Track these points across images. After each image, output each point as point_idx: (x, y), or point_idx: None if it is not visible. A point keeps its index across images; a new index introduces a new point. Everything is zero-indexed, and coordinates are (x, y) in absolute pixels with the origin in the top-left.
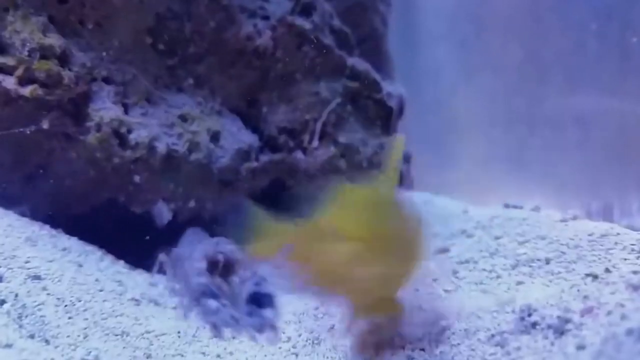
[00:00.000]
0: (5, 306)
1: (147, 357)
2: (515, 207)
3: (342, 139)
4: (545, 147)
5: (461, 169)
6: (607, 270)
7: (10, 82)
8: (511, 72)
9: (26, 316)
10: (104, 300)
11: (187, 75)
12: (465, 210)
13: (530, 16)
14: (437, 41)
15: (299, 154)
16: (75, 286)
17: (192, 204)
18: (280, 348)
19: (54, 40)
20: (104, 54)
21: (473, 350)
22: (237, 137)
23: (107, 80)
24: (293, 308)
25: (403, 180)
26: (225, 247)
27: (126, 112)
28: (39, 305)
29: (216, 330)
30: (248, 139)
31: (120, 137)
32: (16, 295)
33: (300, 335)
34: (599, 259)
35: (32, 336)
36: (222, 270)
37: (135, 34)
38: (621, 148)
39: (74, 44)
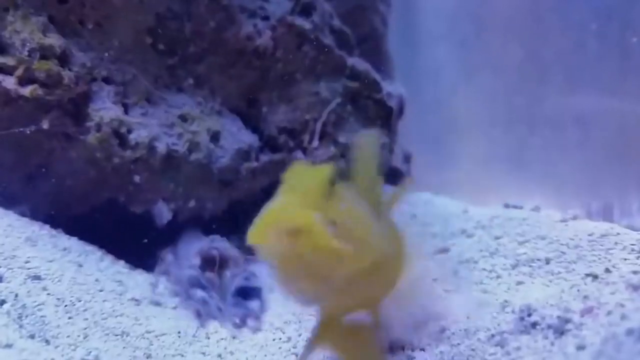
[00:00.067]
0: (6, 306)
1: (147, 357)
2: (515, 207)
3: (342, 138)
4: (546, 147)
5: (461, 168)
6: (607, 270)
7: (10, 82)
8: (511, 72)
9: (26, 316)
10: (104, 300)
11: (187, 75)
12: (466, 210)
13: (531, 16)
14: (437, 41)
15: (299, 154)
16: (76, 286)
17: (192, 203)
18: (280, 348)
19: (54, 40)
20: (104, 54)
21: (473, 350)
22: (237, 137)
23: (107, 80)
24: (293, 308)
25: (401, 179)
26: (219, 244)
27: (126, 112)
28: (39, 305)
29: (199, 317)
30: (248, 139)
31: (120, 137)
32: (16, 295)
33: (300, 335)
34: (599, 259)
35: (32, 336)
36: (214, 265)
37: (135, 34)
38: (621, 148)
39: (74, 44)
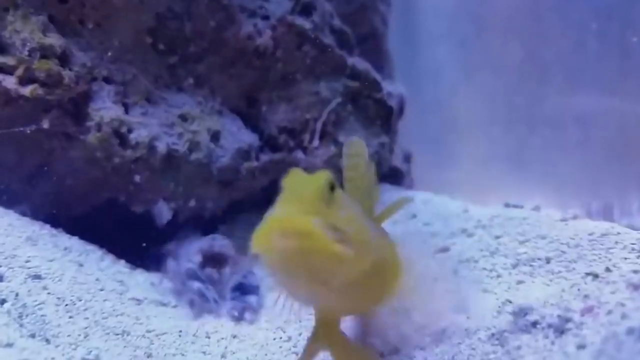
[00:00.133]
0: (6, 305)
1: (148, 357)
2: (515, 206)
3: (342, 138)
4: (546, 147)
5: (461, 168)
6: (608, 270)
7: (10, 82)
8: (511, 72)
9: (27, 315)
10: (105, 300)
11: (187, 74)
12: (466, 209)
13: (531, 16)
14: (438, 41)
15: (299, 154)
16: (76, 285)
17: (192, 203)
18: (280, 347)
19: (54, 40)
20: (105, 53)
21: (473, 349)
22: (237, 136)
23: (107, 80)
24: (293, 308)
25: (403, 180)
26: (220, 242)
27: (126, 111)
28: (39, 304)
29: (192, 307)
30: (248, 138)
31: (121, 136)
32: (17, 295)
33: (300, 335)
34: (600, 258)
35: (32, 335)
36: (215, 262)
37: (136, 34)
38: (621, 148)
39: (74, 43)
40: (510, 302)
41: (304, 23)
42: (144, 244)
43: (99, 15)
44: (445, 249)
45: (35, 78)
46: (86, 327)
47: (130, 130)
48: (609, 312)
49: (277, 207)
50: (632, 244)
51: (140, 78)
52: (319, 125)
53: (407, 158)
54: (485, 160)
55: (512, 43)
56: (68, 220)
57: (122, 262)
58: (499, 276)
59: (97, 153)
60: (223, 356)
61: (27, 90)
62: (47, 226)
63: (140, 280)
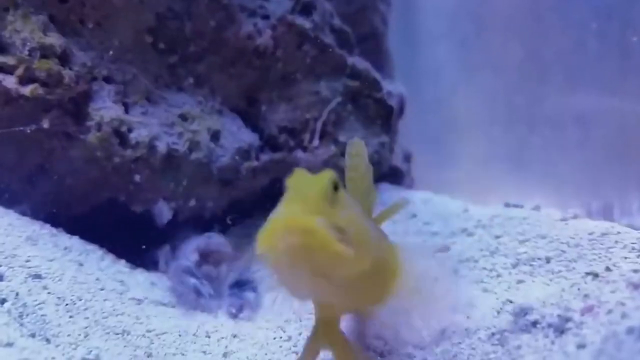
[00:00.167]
0: (6, 305)
1: (148, 356)
2: (515, 206)
3: (342, 137)
4: (546, 147)
5: (461, 168)
6: (608, 269)
7: (10, 82)
8: (511, 72)
9: (27, 315)
10: (105, 300)
11: (187, 74)
12: (466, 209)
13: (531, 15)
14: (438, 40)
15: (299, 153)
16: (76, 285)
17: (192, 202)
18: (281, 347)
19: (55, 39)
20: (105, 53)
21: (474, 349)
22: (237, 136)
23: (107, 80)
24: (293, 307)
25: (403, 180)
26: (216, 240)
27: (126, 111)
28: (39, 304)
29: (187, 302)
30: (248, 138)
31: (121, 136)
32: (17, 294)
33: (300, 334)
34: (600, 257)
35: (33, 335)
36: (212, 260)
37: (136, 34)
38: (621, 147)
39: (74, 43)
40: (510, 301)
41: (304, 23)
42: (144, 244)
43: (99, 14)
44: (445, 249)
45: (35, 78)
46: (86, 327)
47: (130, 130)
48: (609, 312)
49: (281, 207)
50: (632, 243)
51: (141, 78)
52: (319, 125)
53: (407, 158)
54: (485, 160)
55: (512, 43)
56: (68, 220)
57: (122, 261)
58: (499, 276)
59: (97, 153)
60: (224, 355)
61: (27, 90)
62: (47, 226)
63: (140, 280)
